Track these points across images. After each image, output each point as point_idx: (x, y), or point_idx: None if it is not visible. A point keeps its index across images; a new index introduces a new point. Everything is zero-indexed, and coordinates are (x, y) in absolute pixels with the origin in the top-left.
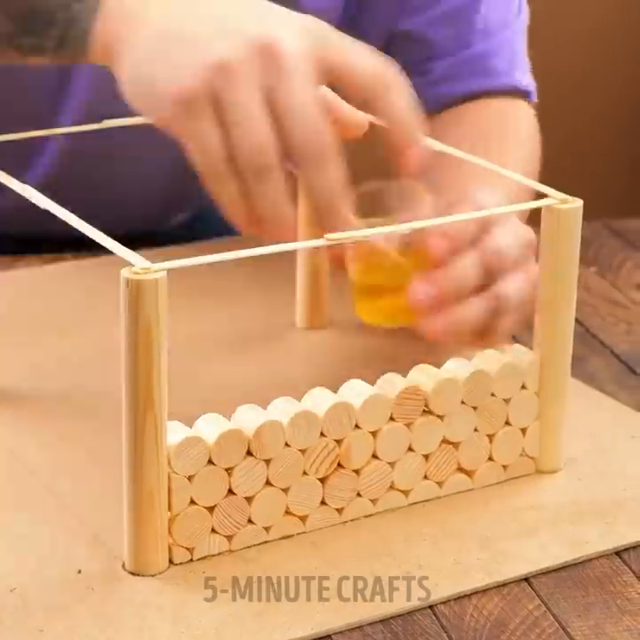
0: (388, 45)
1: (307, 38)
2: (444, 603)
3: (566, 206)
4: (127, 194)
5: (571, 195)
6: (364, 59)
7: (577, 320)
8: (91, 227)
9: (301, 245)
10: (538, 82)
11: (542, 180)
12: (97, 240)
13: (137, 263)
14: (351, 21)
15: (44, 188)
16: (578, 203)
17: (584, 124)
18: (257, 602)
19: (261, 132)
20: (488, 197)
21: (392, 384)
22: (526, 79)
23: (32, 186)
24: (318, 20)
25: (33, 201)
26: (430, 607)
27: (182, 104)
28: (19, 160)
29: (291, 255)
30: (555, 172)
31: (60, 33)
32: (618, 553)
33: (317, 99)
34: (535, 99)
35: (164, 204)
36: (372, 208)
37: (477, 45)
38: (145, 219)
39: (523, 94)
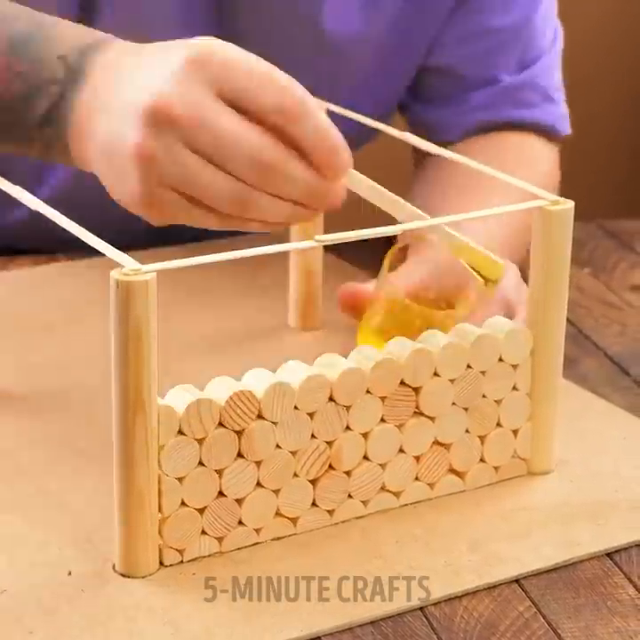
0: (420, 76)
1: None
2: (434, 604)
3: (557, 208)
4: None
5: (566, 195)
6: (268, 81)
7: (570, 321)
8: (82, 228)
9: (293, 247)
10: None
11: None
12: (87, 242)
13: (127, 265)
14: (388, 51)
15: (59, 202)
16: (569, 204)
17: (579, 124)
18: (247, 603)
19: (251, 136)
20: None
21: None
22: (558, 111)
23: (46, 199)
24: (208, 40)
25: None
26: (421, 609)
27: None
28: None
29: (283, 256)
30: None
31: (39, 146)
32: (609, 554)
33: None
34: (567, 130)
35: None
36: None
37: (512, 77)
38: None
39: (550, 127)
